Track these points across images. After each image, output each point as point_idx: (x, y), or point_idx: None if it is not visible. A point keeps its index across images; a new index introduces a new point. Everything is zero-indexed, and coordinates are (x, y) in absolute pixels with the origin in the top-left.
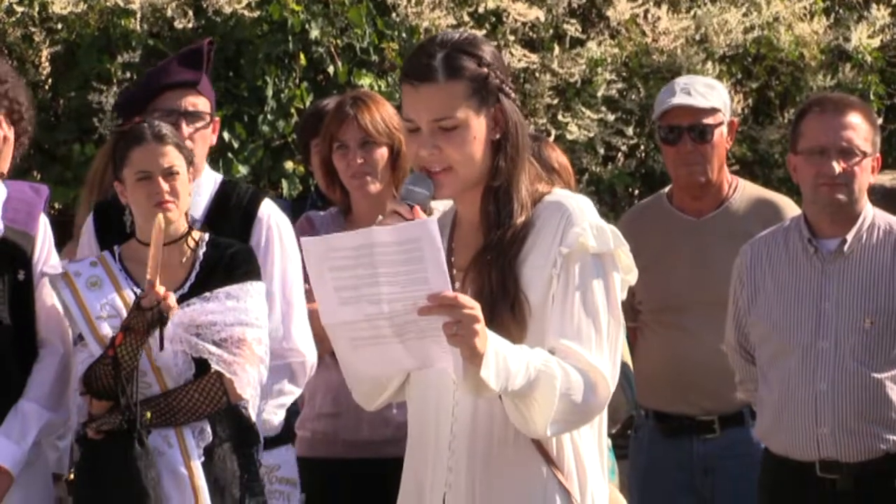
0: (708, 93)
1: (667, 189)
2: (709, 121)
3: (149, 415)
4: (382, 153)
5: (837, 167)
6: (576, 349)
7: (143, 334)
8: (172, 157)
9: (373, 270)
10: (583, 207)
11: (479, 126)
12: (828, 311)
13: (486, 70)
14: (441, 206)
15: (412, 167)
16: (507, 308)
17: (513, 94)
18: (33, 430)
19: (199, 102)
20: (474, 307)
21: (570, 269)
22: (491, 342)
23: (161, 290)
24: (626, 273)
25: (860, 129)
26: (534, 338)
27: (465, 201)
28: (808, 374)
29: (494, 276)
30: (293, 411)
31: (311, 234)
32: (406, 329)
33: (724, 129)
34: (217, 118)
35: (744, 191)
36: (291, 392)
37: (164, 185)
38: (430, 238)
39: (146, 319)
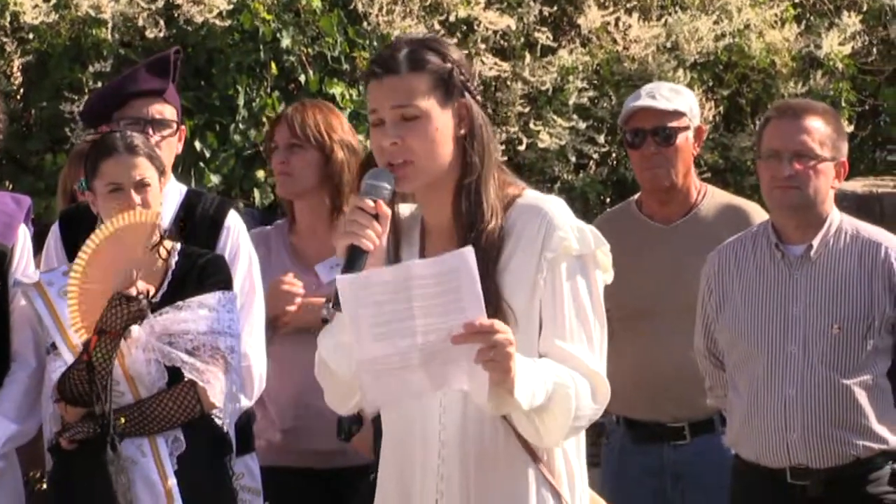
0: (672, 97)
1: (636, 196)
2: (672, 124)
3: (122, 419)
4: (307, 157)
5: (788, 169)
6: (572, 353)
7: (117, 335)
8: (144, 168)
9: (409, 304)
10: (561, 210)
11: (442, 119)
12: (796, 317)
13: (449, 65)
14: (405, 210)
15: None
16: (489, 317)
17: (478, 98)
18: None
19: (166, 110)
20: (507, 331)
21: (556, 273)
22: (518, 363)
23: (142, 284)
24: (604, 272)
25: (817, 132)
26: (519, 346)
27: (432, 206)
28: (776, 380)
29: None
30: (254, 419)
31: (263, 249)
32: (434, 357)
33: (690, 133)
34: (183, 127)
35: (712, 197)
36: (239, 399)
37: (136, 198)
38: (467, 268)
39: (123, 317)
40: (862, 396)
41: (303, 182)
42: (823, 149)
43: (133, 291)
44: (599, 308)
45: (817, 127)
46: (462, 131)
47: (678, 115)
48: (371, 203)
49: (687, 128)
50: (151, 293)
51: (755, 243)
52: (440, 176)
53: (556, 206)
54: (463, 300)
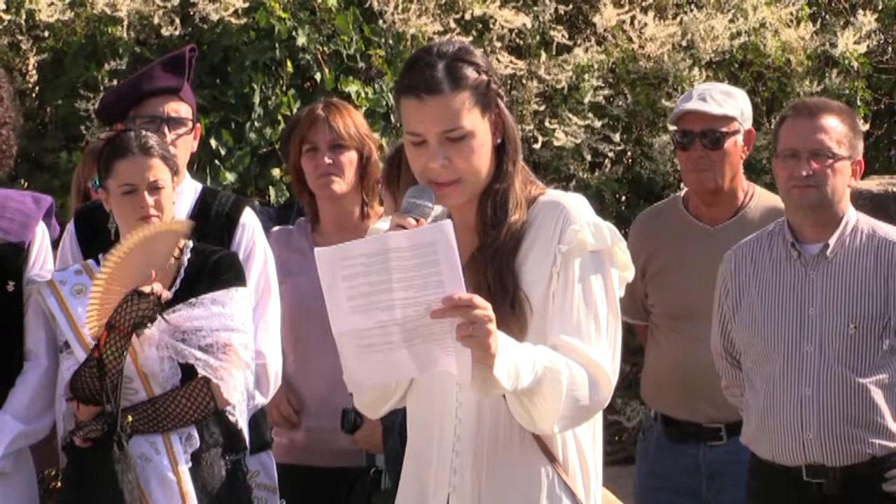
0: (724, 100)
1: (682, 192)
2: (722, 128)
3: (130, 418)
4: (351, 157)
5: (806, 168)
6: (577, 345)
7: (126, 332)
8: (158, 170)
9: (387, 276)
10: (579, 205)
11: (483, 133)
12: (812, 316)
13: (486, 77)
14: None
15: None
16: (507, 307)
17: (506, 100)
18: (3, 442)
19: (181, 109)
20: (487, 307)
21: (569, 266)
22: (501, 341)
23: (157, 286)
24: (622, 270)
25: (833, 131)
26: (535, 336)
27: (460, 205)
28: (792, 379)
29: (492, 275)
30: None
31: (285, 248)
32: (416, 334)
33: (740, 137)
34: (199, 125)
35: (759, 199)
36: (254, 396)
37: (149, 200)
38: (445, 241)
39: (133, 314)
40: (878, 395)
41: (349, 182)
42: (841, 147)
43: (147, 289)
44: (613, 304)
45: (834, 126)
46: (498, 140)
47: (728, 119)
48: (413, 222)
49: (737, 132)
50: (165, 296)
51: (771, 242)
52: (482, 187)
53: (574, 202)
54: (442, 274)
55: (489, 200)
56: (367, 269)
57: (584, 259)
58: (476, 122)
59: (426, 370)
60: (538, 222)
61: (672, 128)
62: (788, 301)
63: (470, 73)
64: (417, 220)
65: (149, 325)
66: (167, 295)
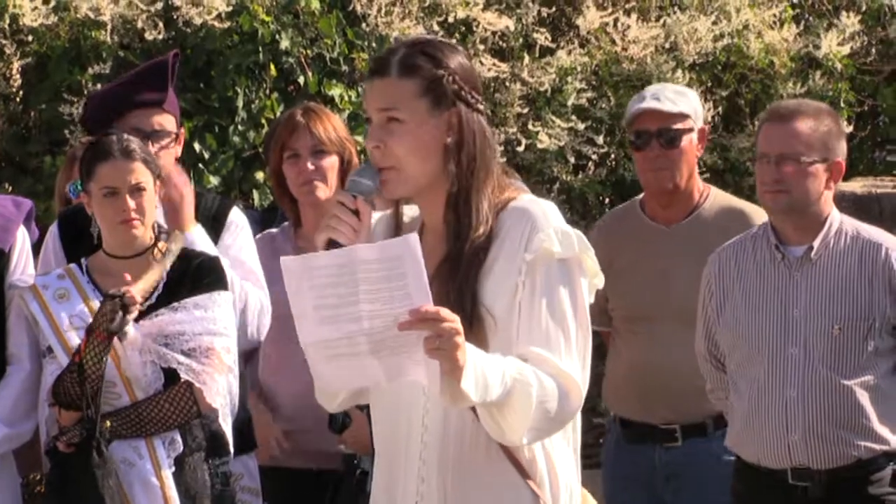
0: (677, 99)
1: (640, 196)
2: (677, 126)
3: (108, 423)
4: (333, 161)
5: (776, 173)
6: (546, 356)
7: (104, 336)
8: (139, 173)
9: (354, 288)
10: (547, 213)
11: (426, 127)
12: (796, 318)
13: (441, 72)
14: (410, 212)
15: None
16: (466, 325)
17: (479, 106)
18: None
19: (165, 121)
20: (455, 320)
21: (535, 276)
22: (469, 354)
23: (126, 288)
24: (592, 277)
25: (803, 134)
26: (498, 350)
27: (428, 208)
28: (777, 381)
29: (453, 292)
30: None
31: (269, 252)
32: (383, 345)
33: (694, 135)
34: (182, 130)
35: (714, 199)
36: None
37: (131, 202)
38: (412, 254)
39: (107, 315)
40: (863, 397)
41: (332, 187)
42: (811, 151)
43: (114, 291)
44: (582, 313)
45: (805, 129)
46: (449, 139)
47: (683, 117)
48: (352, 198)
49: (691, 129)
50: (132, 299)
51: (755, 245)
52: (428, 184)
53: (543, 209)
54: (409, 287)
55: (452, 207)
56: (334, 281)
57: (551, 268)
58: (419, 113)
59: (395, 379)
60: (505, 230)
61: (627, 129)
62: (773, 303)
63: (424, 63)
64: (355, 197)
65: (125, 329)
66: (137, 299)
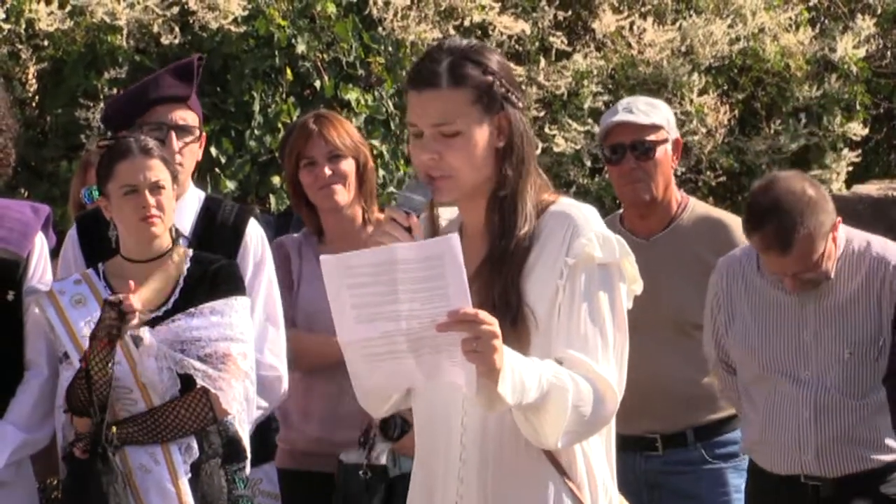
0: (649, 110)
1: (620, 211)
2: (651, 137)
3: (114, 429)
4: (350, 165)
5: (791, 284)
6: (583, 359)
7: (105, 342)
8: (159, 171)
9: (392, 287)
10: (588, 217)
11: (481, 134)
12: (807, 342)
13: (490, 78)
14: (447, 213)
15: (413, 174)
16: (509, 322)
17: (520, 105)
18: (5, 451)
19: (189, 117)
20: (493, 323)
21: (575, 280)
22: (507, 357)
23: (124, 296)
24: (631, 283)
25: (810, 252)
26: (539, 350)
27: (469, 210)
28: (790, 402)
29: (497, 289)
30: (274, 427)
31: (295, 258)
32: (422, 344)
33: (669, 146)
34: (204, 133)
35: (693, 209)
36: (262, 406)
37: (151, 199)
38: (452, 254)
39: (105, 322)
40: (874, 413)
41: (350, 190)
42: (821, 245)
43: (113, 298)
44: (620, 318)
45: (807, 250)
46: (500, 143)
47: (656, 128)
48: (405, 214)
49: (665, 140)
50: (129, 306)
51: (761, 261)
52: (476, 187)
53: (584, 213)
54: (448, 287)
55: (496, 209)
56: (373, 280)
57: (592, 272)
58: (472, 122)
59: (432, 379)
60: (546, 233)
61: (601, 144)
62: (783, 326)
63: (473, 71)
64: (408, 214)
65: (141, 335)
66: (135, 306)
